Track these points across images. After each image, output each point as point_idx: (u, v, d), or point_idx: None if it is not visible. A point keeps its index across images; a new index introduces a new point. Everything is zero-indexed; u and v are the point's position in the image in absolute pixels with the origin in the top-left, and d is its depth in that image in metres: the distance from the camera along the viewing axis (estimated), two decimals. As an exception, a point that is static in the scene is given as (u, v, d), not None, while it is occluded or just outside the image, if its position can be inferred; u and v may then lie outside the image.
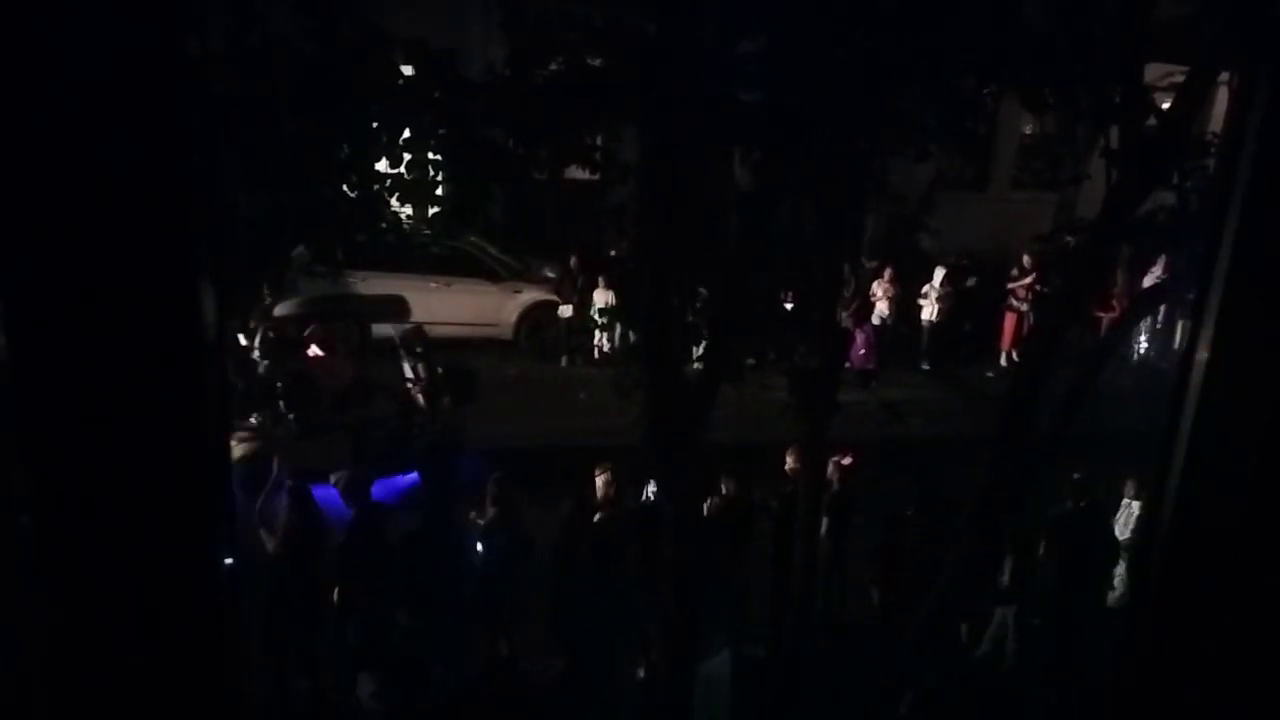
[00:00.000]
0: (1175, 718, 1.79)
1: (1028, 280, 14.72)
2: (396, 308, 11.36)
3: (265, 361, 10.42)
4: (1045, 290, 13.99)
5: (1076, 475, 8.15)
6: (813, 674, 6.79)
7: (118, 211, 1.29)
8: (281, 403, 10.20)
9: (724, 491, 7.72)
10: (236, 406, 10.25)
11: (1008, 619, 8.15)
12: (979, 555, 6.52)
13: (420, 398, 10.80)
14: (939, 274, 14.92)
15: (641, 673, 7.70)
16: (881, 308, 14.86)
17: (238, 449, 9.79)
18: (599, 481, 7.89)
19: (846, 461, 8.07)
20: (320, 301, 11.13)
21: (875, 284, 14.89)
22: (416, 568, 7.08)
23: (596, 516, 7.59)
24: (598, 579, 6.99)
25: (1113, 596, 8.35)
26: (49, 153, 1.26)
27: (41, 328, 1.31)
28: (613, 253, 15.16)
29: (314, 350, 10.85)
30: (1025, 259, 14.90)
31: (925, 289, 14.92)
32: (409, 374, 11.01)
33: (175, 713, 1.49)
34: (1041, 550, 8.14)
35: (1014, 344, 14.82)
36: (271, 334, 10.52)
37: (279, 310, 10.53)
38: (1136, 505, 8.53)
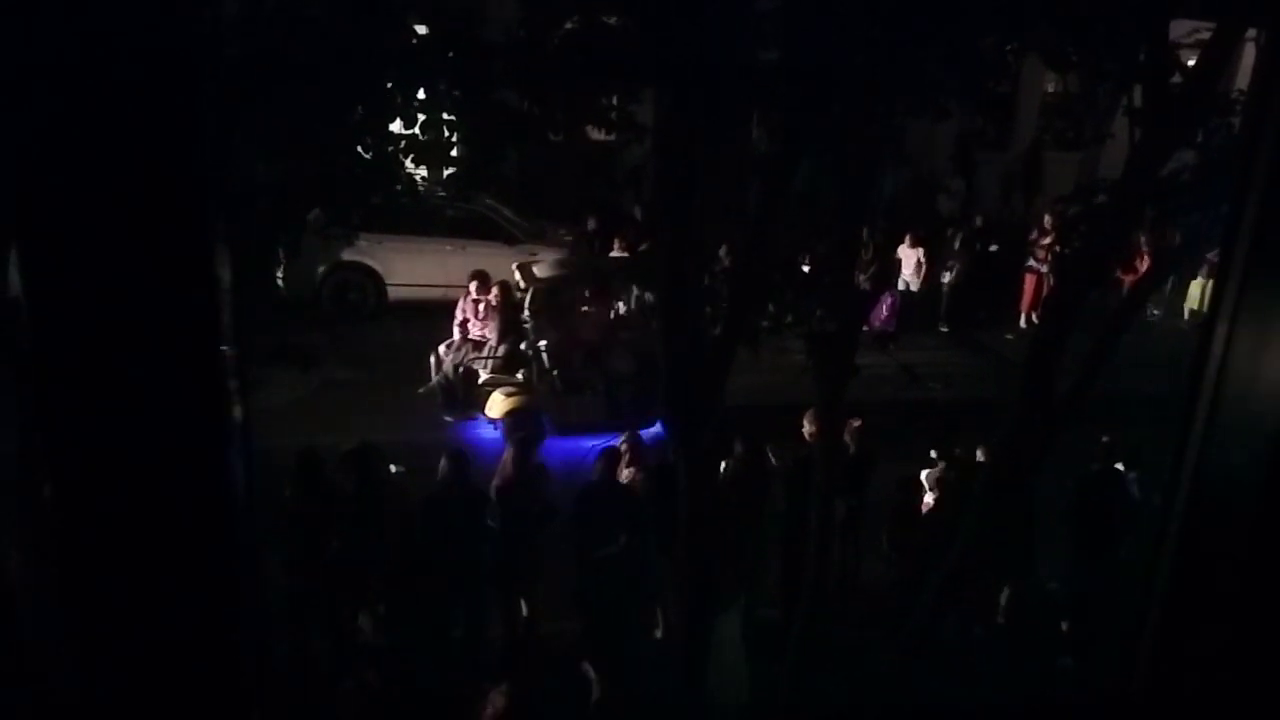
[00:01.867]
0: (1195, 684, 1.79)
1: (1048, 241, 14.57)
2: (643, 270, 11.76)
3: (532, 322, 10.91)
4: (1066, 251, 13.84)
5: (1106, 438, 8.10)
6: (828, 637, 6.83)
7: (127, 185, 1.28)
8: (546, 359, 10.64)
9: (739, 454, 7.72)
10: (502, 365, 10.89)
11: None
12: (997, 519, 6.50)
13: None
14: (958, 240, 14.81)
15: (659, 633, 7.78)
16: (907, 272, 14.75)
17: (507, 403, 10.33)
18: (621, 444, 7.93)
19: (856, 424, 8.07)
20: (576, 264, 11.81)
21: (900, 247, 14.78)
22: (436, 530, 7.14)
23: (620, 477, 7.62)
24: (618, 540, 7.03)
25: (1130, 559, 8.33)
26: (59, 126, 1.25)
27: (56, 306, 1.31)
28: (629, 215, 15.10)
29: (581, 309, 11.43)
30: (1046, 220, 14.74)
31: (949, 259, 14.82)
32: None
33: (195, 697, 1.50)
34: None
35: (1034, 306, 14.70)
36: (535, 294, 10.96)
37: (538, 271, 11.10)
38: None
